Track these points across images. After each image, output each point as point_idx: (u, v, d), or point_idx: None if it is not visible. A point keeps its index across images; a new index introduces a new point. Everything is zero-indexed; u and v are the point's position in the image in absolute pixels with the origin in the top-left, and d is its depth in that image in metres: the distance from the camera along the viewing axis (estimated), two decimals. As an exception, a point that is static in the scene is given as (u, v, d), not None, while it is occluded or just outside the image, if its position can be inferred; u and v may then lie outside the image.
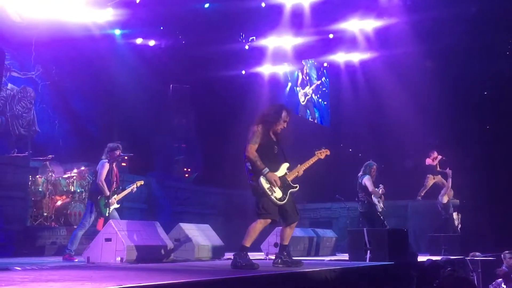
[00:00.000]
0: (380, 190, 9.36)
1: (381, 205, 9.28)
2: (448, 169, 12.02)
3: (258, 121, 5.83)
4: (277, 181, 5.61)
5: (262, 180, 5.58)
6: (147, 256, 6.93)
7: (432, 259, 8.16)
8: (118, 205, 7.84)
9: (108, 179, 7.67)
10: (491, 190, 13.62)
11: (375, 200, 9.18)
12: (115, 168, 7.87)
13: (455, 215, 11.80)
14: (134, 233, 7.05)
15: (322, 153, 6.17)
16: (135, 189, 8.16)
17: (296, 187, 5.82)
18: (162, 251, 7.27)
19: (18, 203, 9.14)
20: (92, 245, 6.98)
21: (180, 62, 14.87)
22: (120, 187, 8.00)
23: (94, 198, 7.62)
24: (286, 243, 5.94)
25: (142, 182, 8.31)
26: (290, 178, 5.80)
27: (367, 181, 9.21)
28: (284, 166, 5.84)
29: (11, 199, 8.96)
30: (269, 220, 5.64)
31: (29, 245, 9.01)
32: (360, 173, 9.48)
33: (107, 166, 7.66)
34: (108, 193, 7.61)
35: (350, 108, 18.16)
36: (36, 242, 9.19)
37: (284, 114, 5.86)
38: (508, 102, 14.61)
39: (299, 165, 5.97)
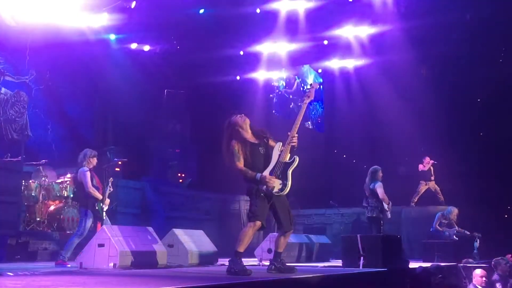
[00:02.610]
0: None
1: (389, 212, 9.33)
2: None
3: (228, 137, 5.82)
4: (270, 179, 5.59)
5: (263, 187, 5.59)
6: (140, 262, 6.90)
7: (423, 266, 8.17)
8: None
9: (93, 185, 7.71)
10: (484, 197, 13.66)
11: (385, 206, 9.22)
12: (94, 174, 7.90)
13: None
14: (127, 239, 7.03)
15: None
16: (111, 188, 8.09)
17: (293, 160, 5.65)
18: (155, 257, 7.24)
19: (10, 208, 9.07)
20: (85, 251, 6.95)
21: (174, 67, 14.87)
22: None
23: (90, 205, 7.61)
24: (280, 250, 5.94)
25: (112, 179, 8.18)
26: (285, 158, 5.67)
27: (379, 188, 9.25)
28: (276, 150, 5.75)
29: (3, 204, 8.89)
30: (258, 224, 5.60)
31: (21, 250, 8.95)
32: (368, 179, 9.50)
33: (89, 174, 7.71)
34: (101, 196, 7.68)
35: (344, 114, 18.19)
36: (29, 247, 9.11)
37: (237, 119, 5.83)
38: (501, 109, 14.70)
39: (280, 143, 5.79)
